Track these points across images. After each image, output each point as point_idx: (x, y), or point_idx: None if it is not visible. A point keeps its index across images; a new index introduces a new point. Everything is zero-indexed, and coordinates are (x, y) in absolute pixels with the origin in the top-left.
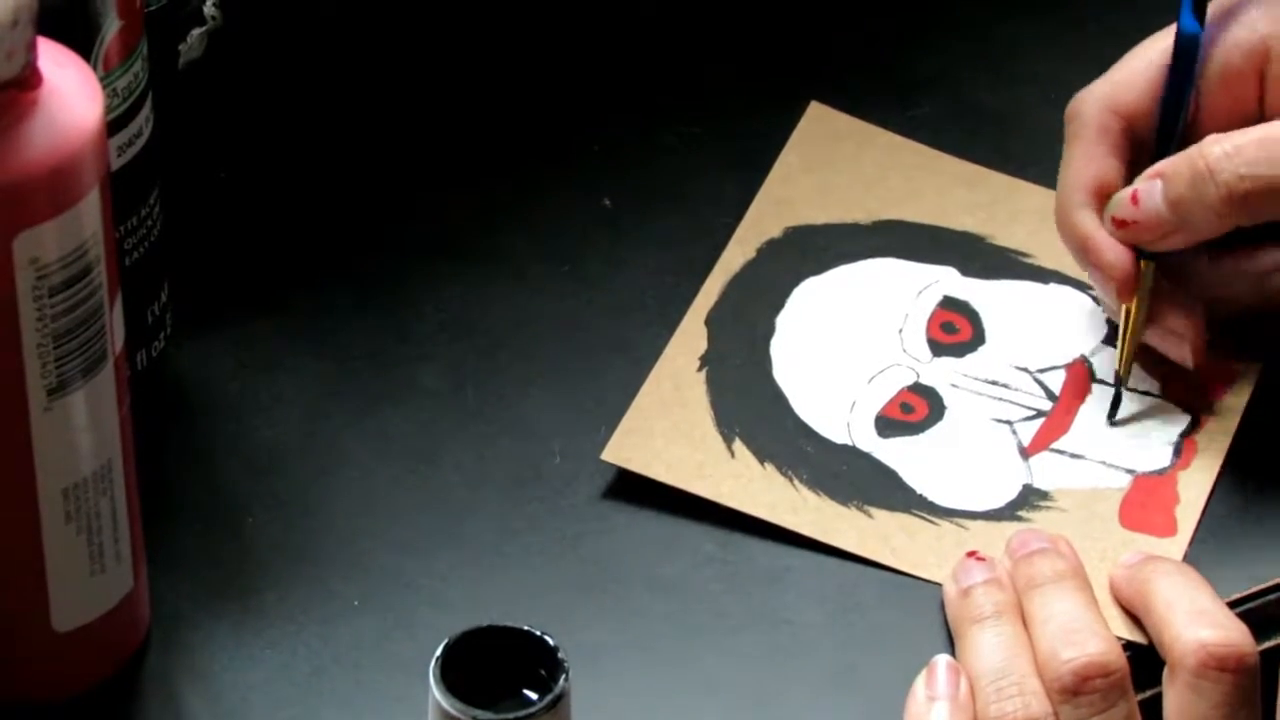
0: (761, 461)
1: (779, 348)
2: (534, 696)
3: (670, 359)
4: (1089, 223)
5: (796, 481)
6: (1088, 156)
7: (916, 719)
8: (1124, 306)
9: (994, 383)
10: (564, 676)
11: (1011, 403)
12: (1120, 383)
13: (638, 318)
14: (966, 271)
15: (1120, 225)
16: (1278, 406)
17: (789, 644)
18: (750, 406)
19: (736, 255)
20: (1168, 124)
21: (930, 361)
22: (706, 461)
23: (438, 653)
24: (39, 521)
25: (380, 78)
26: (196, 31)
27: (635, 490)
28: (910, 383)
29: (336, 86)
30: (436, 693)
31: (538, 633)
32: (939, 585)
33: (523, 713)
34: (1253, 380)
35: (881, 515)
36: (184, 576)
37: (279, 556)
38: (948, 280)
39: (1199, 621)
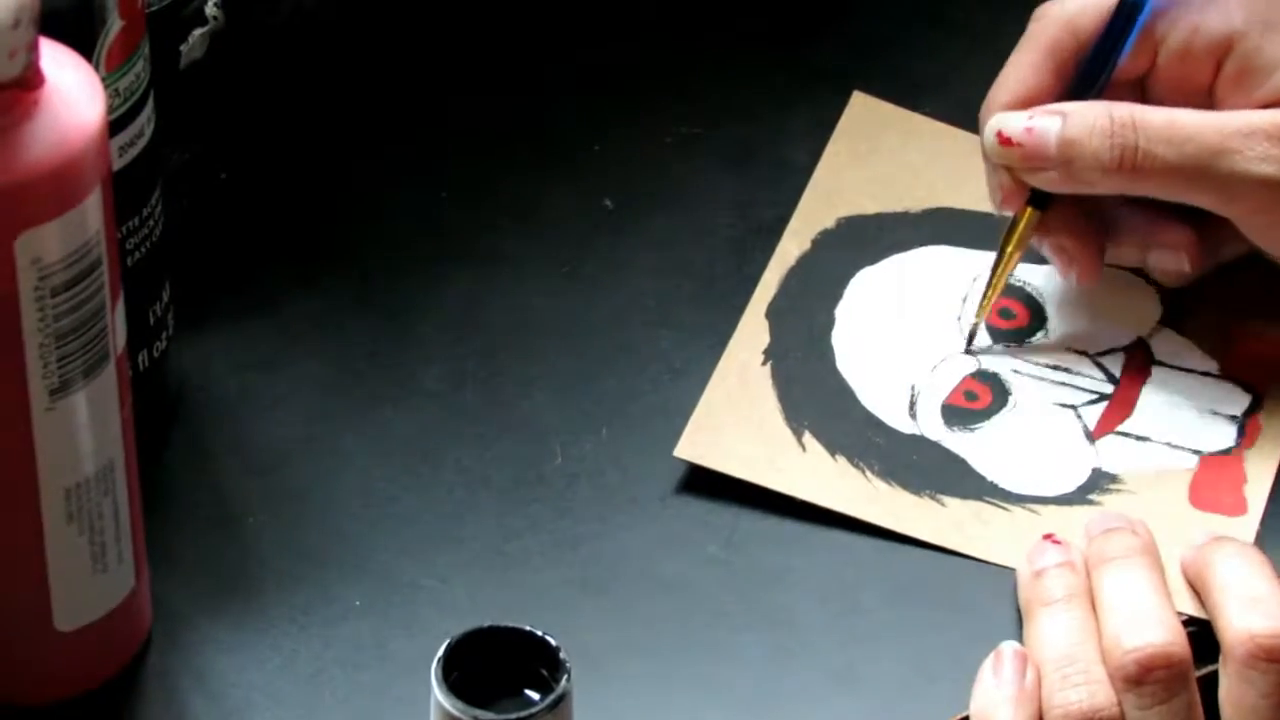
0: (833, 454)
1: (840, 339)
2: (536, 697)
3: (734, 353)
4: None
5: (869, 473)
6: (1032, 65)
7: (984, 709)
8: (1000, 250)
9: (1055, 367)
10: (565, 677)
11: (1074, 387)
12: (975, 326)
13: (638, 318)
14: (1022, 257)
15: (1004, 143)
16: None
17: (790, 644)
18: (817, 399)
19: (792, 247)
20: (1094, 72)
21: (990, 348)
22: (778, 455)
23: (439, 653)
24: (41, 521)
25: (380, 78)
26: (198, 32)
27: (636, 490)
28: (973, 370)
29: (337, 86)
30: (438, 693)
31: (539, 633)
32: (941, 586)
33: (524, 713)
34: None
35: (954, 504)
36: (186, 577)
37: (280, 557)
38: None
39: (1251, 610)
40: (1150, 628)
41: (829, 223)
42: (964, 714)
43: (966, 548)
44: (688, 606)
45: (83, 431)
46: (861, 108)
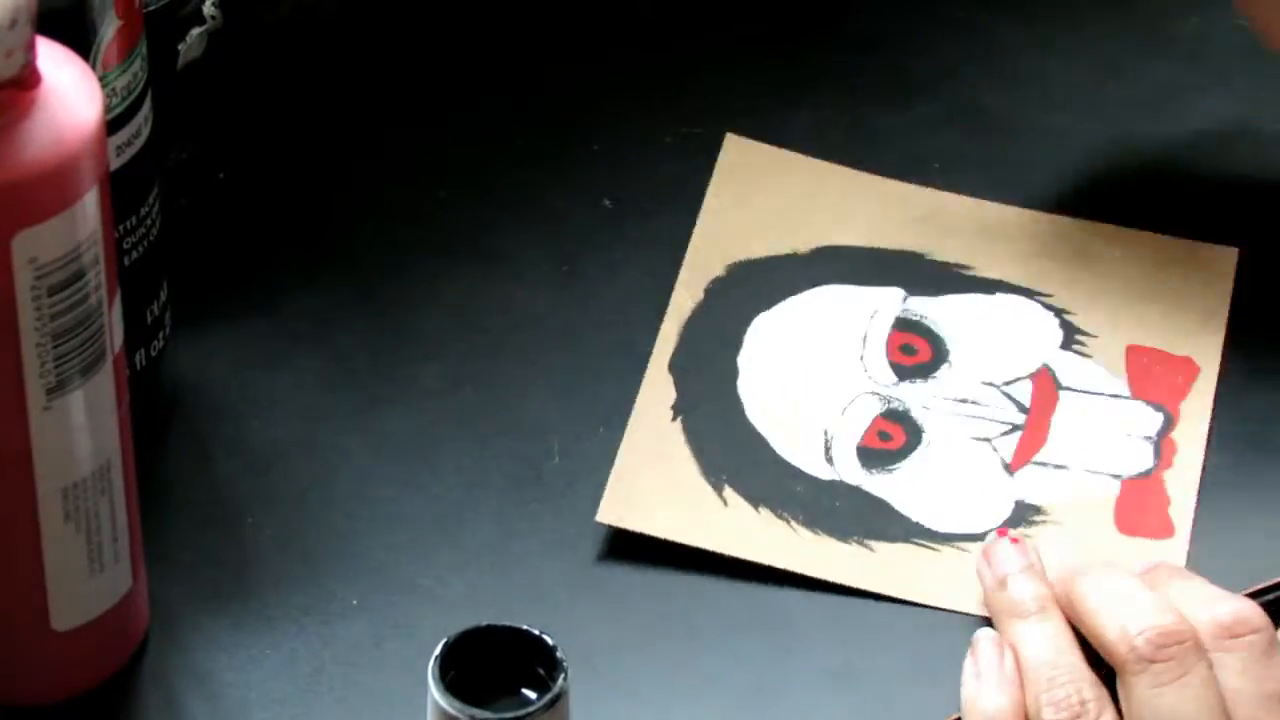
0: (755, 507)
1: (746, 389)
2: (533, 696)
3: (643, 411)
4: None
5: (794, 523)
6: None
7: (968, 697)
8: None
9: (964, 400)
10: (563, 676)
11: (986, 419)
12: None
13: (638, 318)
14: (913, 290)
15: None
16: (1242, 396)
17: (789, 643)
18: (732, 452)
19: (685, 298)
20: None
21: (897, 385)
22: (700, 513)
23: (437, 652)
24: (38, 521)
25: (380, 77)
26: (196, 31)
27: None
28: (882, 410)
29: (336, 86)
30: (435, 692)
31: (536, 632)
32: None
33: (521, 712)
34: (1215, 370)
35: (882, 548)
36: (183, 576)
37: (278, 556)
38: (896, 301)
39: (1210, 603)
40: (1153, 611)
41: (718, 269)
42: (959, 714)
43: (900, 592)
44: (685, 606)
45: (80, 431)
46: (736, 150)
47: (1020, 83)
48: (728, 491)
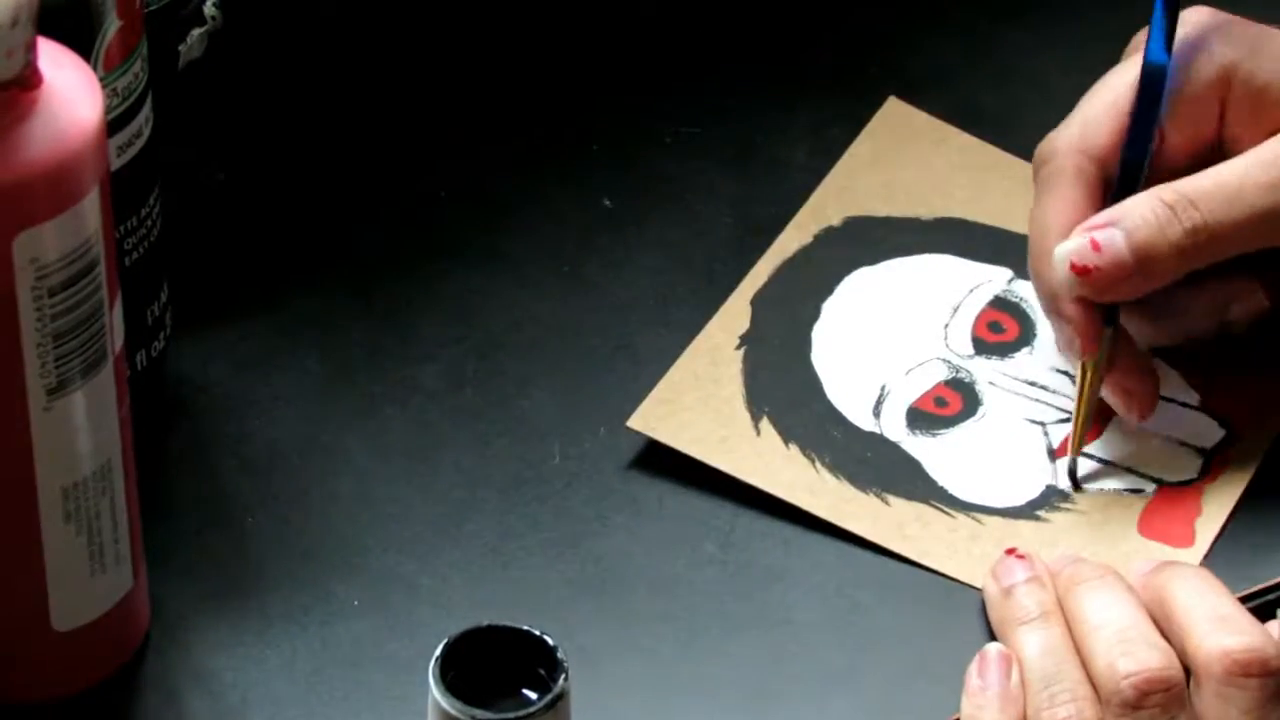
0: (786, 442)
1: (821, 332)
2: (533, 696)
3: (709, 335)
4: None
5: (818, 464)
6: (1065, 202)
7: (970, 714)
8: (1078, 383)
9: (1033, 383)
10: (563, 676)
11: (1047, 404)
12: (1074, 462)
13: (638, 318)
14: (1022, 274)
15: (1082, 272)
16: None
17: (789, 644)
18: (782, 387)
19: (792, 239)
20: (1134, 161)
21: (971, 358)
22: (731, 436)
23: (437, 652)
24: (39, 521)
25: (380, 78)
26: (196, 31)
27: (635, 489)
28: (947, 378)
29: (336, 86)
30: (436, 692)
31: (537, 632)
32: (940, 586)
33: (522, 712)
34: None
35: (899, 504)
36: (184, 576)
37: (279, 556)
38: (1001, 280)
39: (1221, 628)
40: (1143, 650)
41: (835, 220)
42: (959, 714)
43: (900, 547)
44: (686, 606)
45: (80, 431)
46: (894, 112)
47: (1020, 83)
48: (764, 423)
